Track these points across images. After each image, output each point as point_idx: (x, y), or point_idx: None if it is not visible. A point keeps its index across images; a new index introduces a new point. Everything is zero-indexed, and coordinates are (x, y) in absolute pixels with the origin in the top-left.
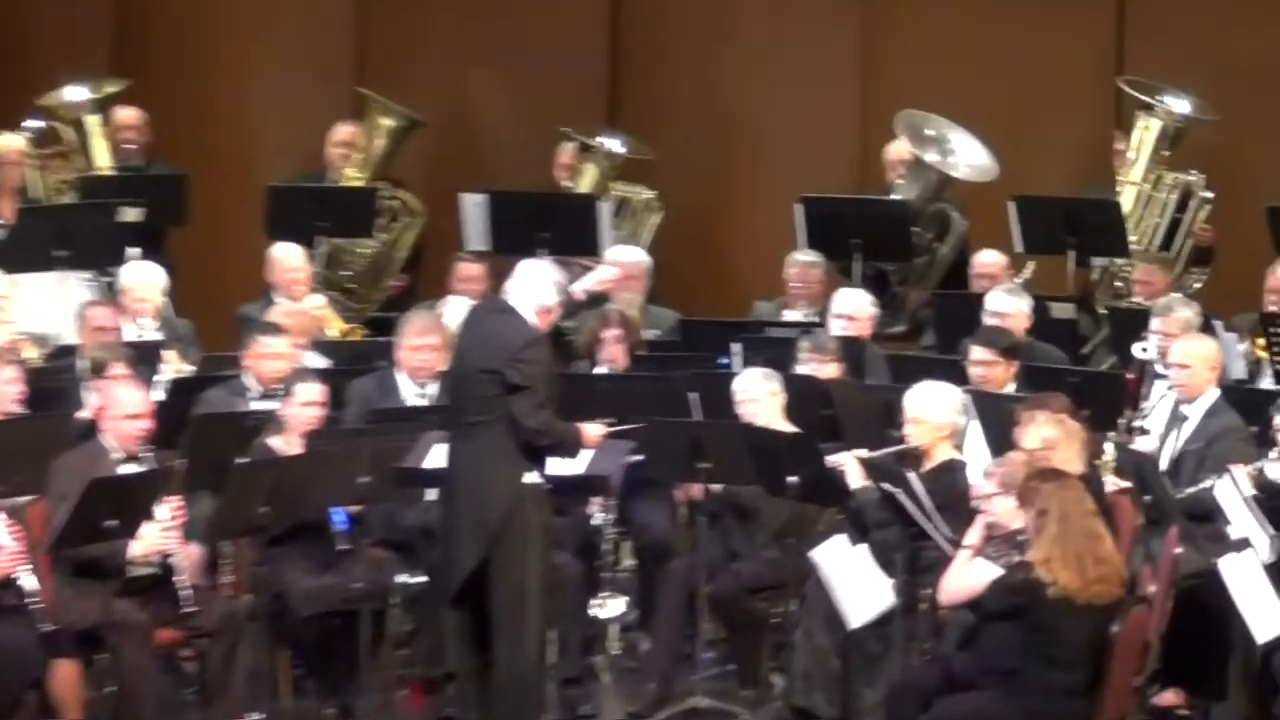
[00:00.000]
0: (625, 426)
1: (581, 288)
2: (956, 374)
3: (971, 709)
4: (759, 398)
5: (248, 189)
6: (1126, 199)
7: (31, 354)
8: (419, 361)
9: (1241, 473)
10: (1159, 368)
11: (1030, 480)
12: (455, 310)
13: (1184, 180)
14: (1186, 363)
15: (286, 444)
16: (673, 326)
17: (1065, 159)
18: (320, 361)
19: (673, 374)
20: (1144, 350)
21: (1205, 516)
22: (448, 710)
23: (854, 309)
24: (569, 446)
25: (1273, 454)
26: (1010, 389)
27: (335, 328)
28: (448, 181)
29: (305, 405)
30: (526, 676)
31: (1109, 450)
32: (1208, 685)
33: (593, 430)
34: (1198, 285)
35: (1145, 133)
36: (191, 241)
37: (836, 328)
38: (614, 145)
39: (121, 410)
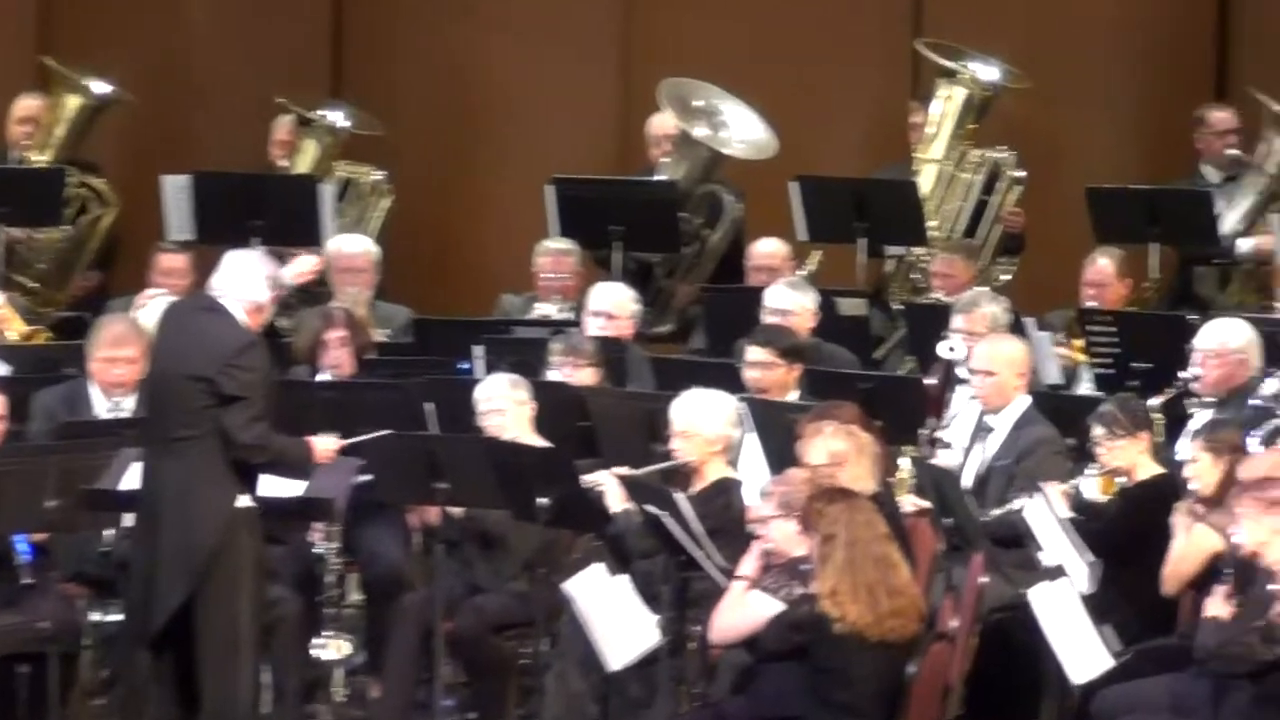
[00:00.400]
0: (362, 438)
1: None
2: (731, 380)
3: None
4: (504, 408)
5: None
6: (925, 179)
7: None
8: (113, 377)
9: (1055, 491)
10: (964, 371)
11: (815, 501)
12: (154, 308)
13: (991, 158)
14: (991, 369)
15: None
16: (406, 326)
17: (855, 134)
18: (0, 369)
19: (406, 381)
20: (950, 350)
21: (1014, 541)
22: None
23: (613, 305)
24: (296, 464)
25: (1090, 470)
26: (792, 396)
27: (16, 330)
28: (147, 162)
29: None
30: None
31: (905, 466)
32: None
33: (324, 445)
34: (1006, 277)
35: (947, 103)
36: None
37: (594, 327)
38: (337, 119)
39: None
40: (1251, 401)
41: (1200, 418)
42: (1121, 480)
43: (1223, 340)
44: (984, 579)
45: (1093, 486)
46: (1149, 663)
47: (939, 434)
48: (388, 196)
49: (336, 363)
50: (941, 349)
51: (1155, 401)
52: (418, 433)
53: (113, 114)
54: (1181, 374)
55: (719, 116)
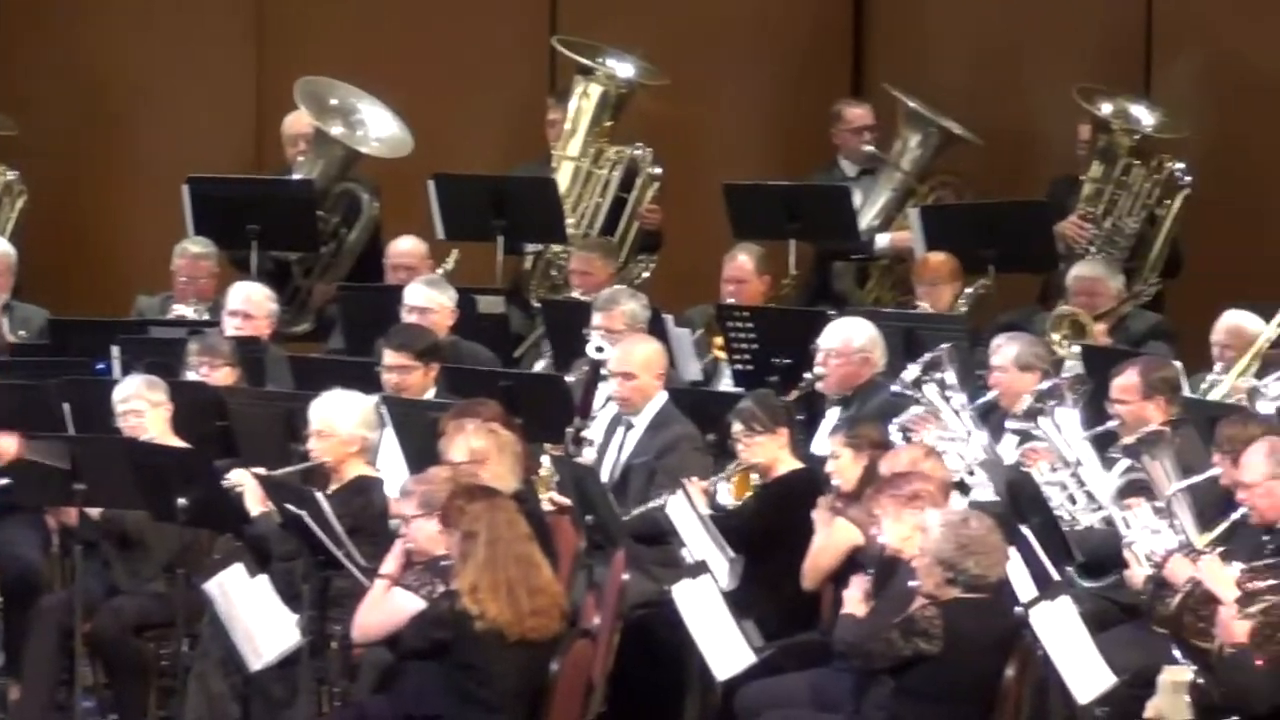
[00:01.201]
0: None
1: None
2: (369, 379)
3: None
4: (142, 408)
5: None
6: (563, 176)
7: None
8: None
9: (696, 489)
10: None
11: (455, 499)
12: None
13: (628, 154)
14: (628, 370)
15: None
16: (41, 327)
17: (494, 131)
18: None
19: (42, 381)
20: (599, 350)
21: (657, 538)
22: None
23: (250, 305)
24: None
25: (732, 466)
26: (431, 394)
27: None
28: None
29: None
30: None
31: (546, 464)
32: None
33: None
34: (645, 274)
35: (584, 100)
36: None
37: (230, 327)
38: None
39: None
40: (892, 389)
41: (833, 415)
42: (756, 478)
43: (845, 339)
44: (626, 576)
45: (726, 489)
46: (791, 658)
47: (584, 432)
48: (20, 196)
49: None
50: (590, 348)
51: (788, 398)
52: (54, 434)
53: None
54: (807, 374)
55: (355, 115)
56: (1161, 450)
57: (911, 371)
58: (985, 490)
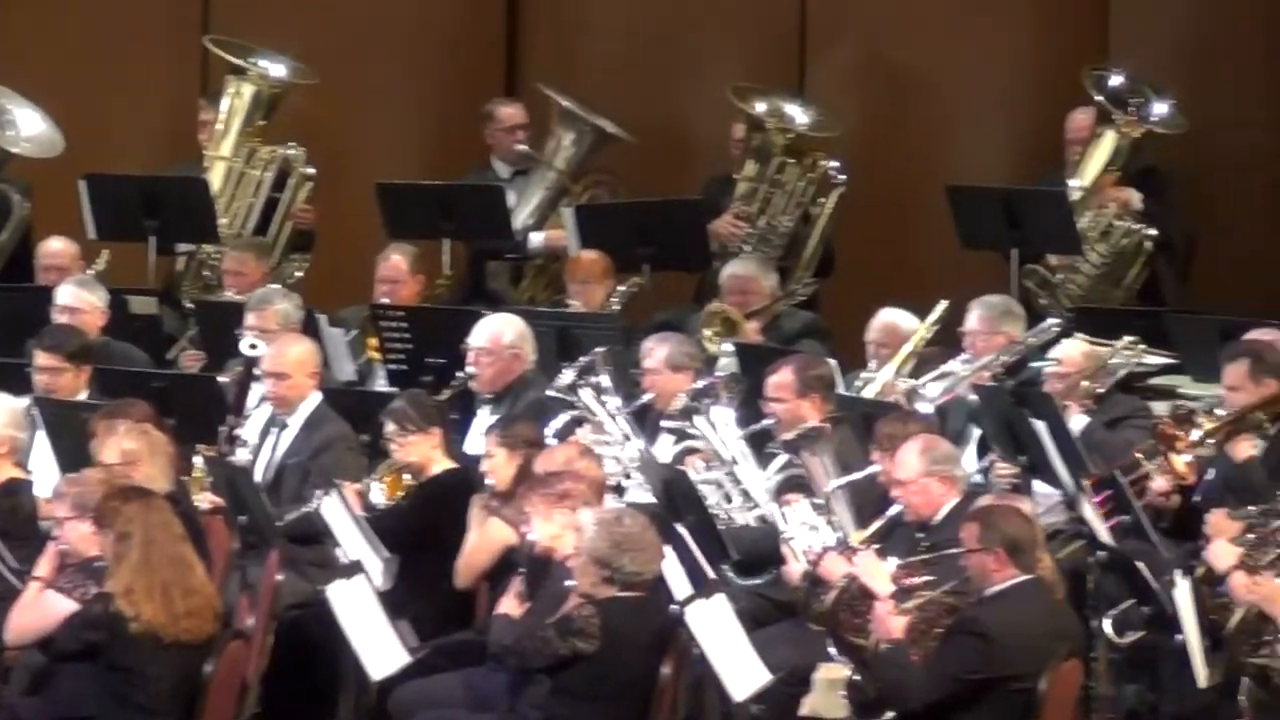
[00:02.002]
0: None
1: None
2: (20, 380)
3: None
4: None
5: None
6: (215, 176)
7: None
8: None
9: (349, 489)
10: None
11: (109, 500)
12: None
13: (281, 154)
14: (281, 371)
15: None
16: None
17: (146, 132)
18: None
19: None
20: (252, 348)
21: (312, 538)
22: None
23: None
24: None
25: (384, 466)
26: (83, 396)
27: None
28: None
29: None
30: None
31: (199, 464)
32: None
33: None
34: (298, 274)
35: (236, 100)
36: None
37: None
38: None
39: None
40: (548, 393)
41: (484, 413)
42: (408, 478)
43: (494, 336)
44: (280, 576)
45: (379, 489)
46: (446, 658)
47: (237, 431)
48: None
49: None
50: (243, 346)
51: (440, 397)
52: None
53: None
54: (460, 373)
55: (4, 115)
56: (821, 447)
57: (566, 376)
58: (643, 494)
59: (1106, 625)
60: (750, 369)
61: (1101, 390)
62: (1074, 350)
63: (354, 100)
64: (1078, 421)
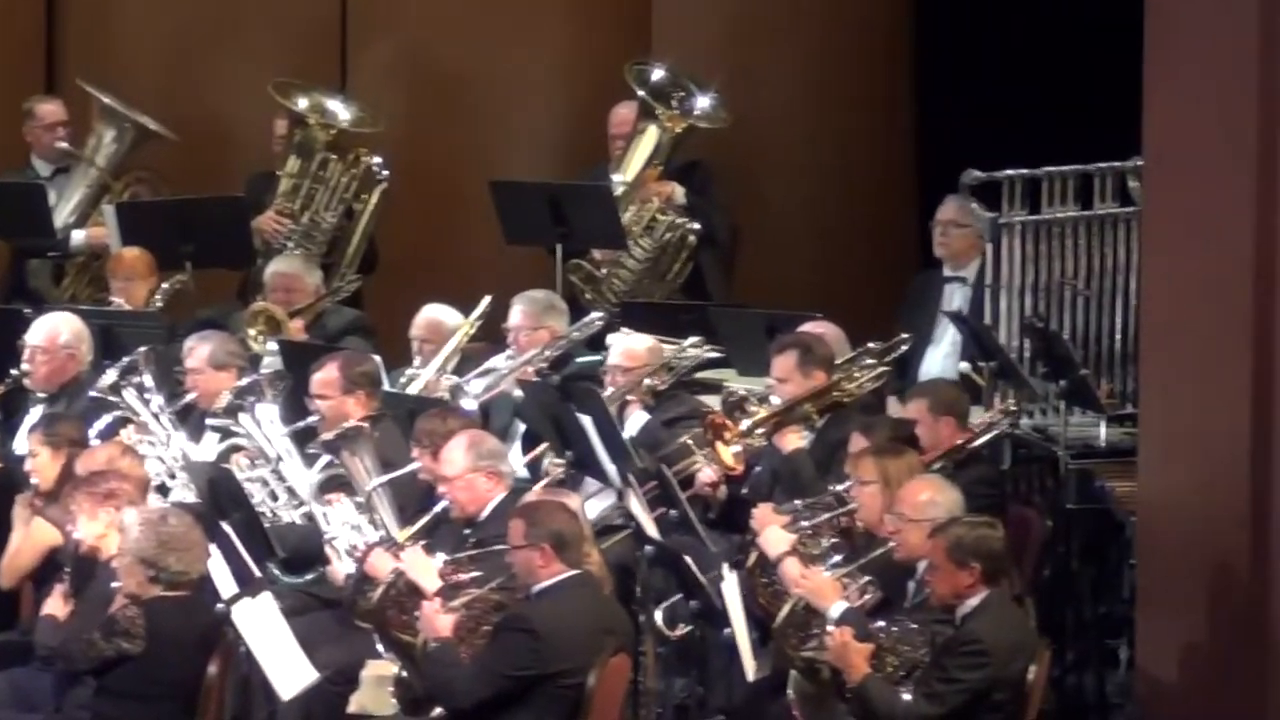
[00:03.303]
0: None
1: None
2: None
3: None
4: None
5: None
6: None
7: None
8: None
9: None
10: None
11: None
12: None
13: None
14: None
15: None
16: None
17: None
18: None
19: None
20: None
21: None
22: None
23: None
24: None
25: None
26: None
27: None
28: None
29: None
30: None
31: None
32: None
33: None
34: None
35: None
36: None
37: None
38: None
39: None
40: (91, 393)
41: (37, 412)
42: None
43: (51, 335)
44: None
45: None
46: None
47: None
48: None
49: None
50: None
51: None
52: None
53: None
54: (14, 370)
55: None
56: (360, 446)
57: (109, 376)
58: (187, 493)
59: (656, 619)
60: (295, 367)
61: (662, 387)
62: (638, 346)
63: None
64: (637, 419)
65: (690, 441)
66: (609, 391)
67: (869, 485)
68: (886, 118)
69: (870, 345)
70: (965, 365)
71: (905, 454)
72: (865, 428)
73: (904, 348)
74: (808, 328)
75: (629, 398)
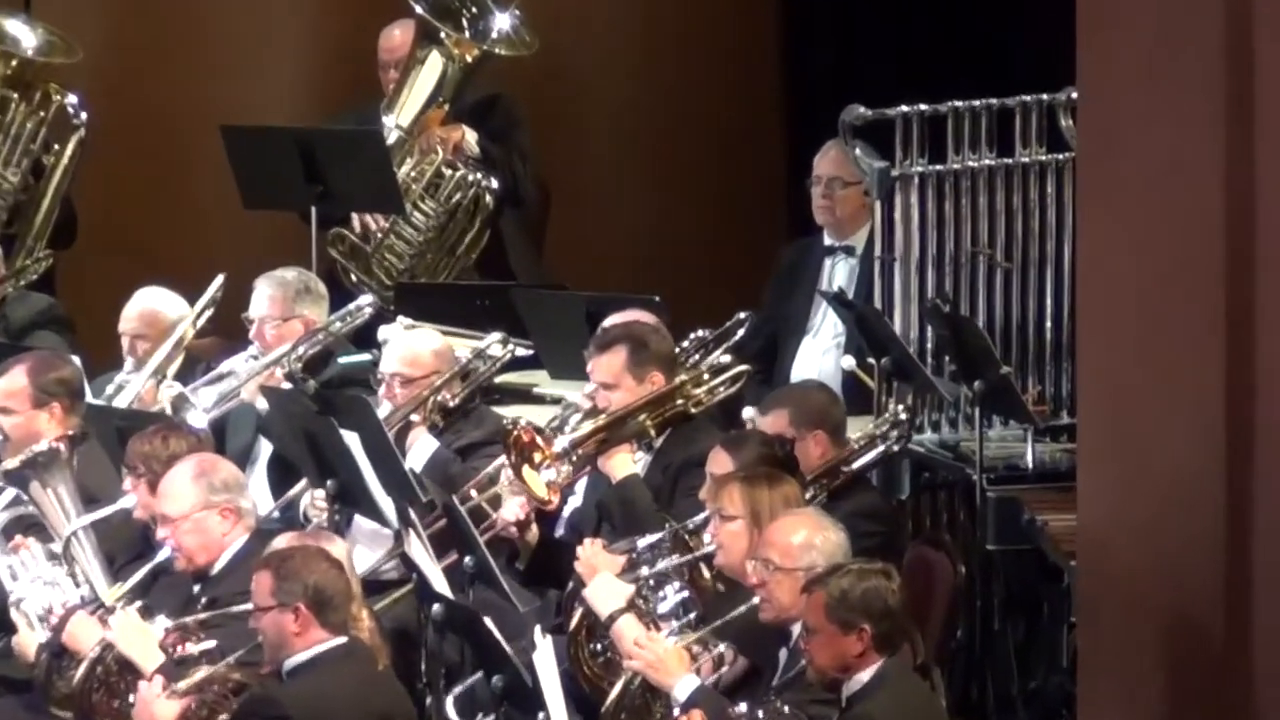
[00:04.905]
0: None
1: None
2: None
3: None
4: None
5: None
6: None
7: None
8: None
9: None
10: None
11: None
12: None
13: None
14: None
15: None
16: None
17: None
18: None
19: None
20: None
21: None
22: None
23: None
24: None
25: None
26: None
27: None
28: None
29: None
30: None
31: None
32: None
33: None
34: None
35: None
36: None
37: None
38: None
39: None
40: None
41: None
42: None
43: None
44: None
45: None
46: None
47: None
48: None
49: None
50: None
51: None
52: None
53: None
54: None
55: None
56: (55, 475)
57: None
58: None
59: (448, 706)
60: None
61: (454, 402)
62: (422, 347)
63: None
64: (423, 445)
65: (489, 469)
66: (385, 410)
67: (733, 521)
68: (744, 38)
69: (698, 334)
70: (850, 361)
71: (783, 483)
72: (730, 444)
73: (740, 332)
74: (629, 316)
75: (412, 418)
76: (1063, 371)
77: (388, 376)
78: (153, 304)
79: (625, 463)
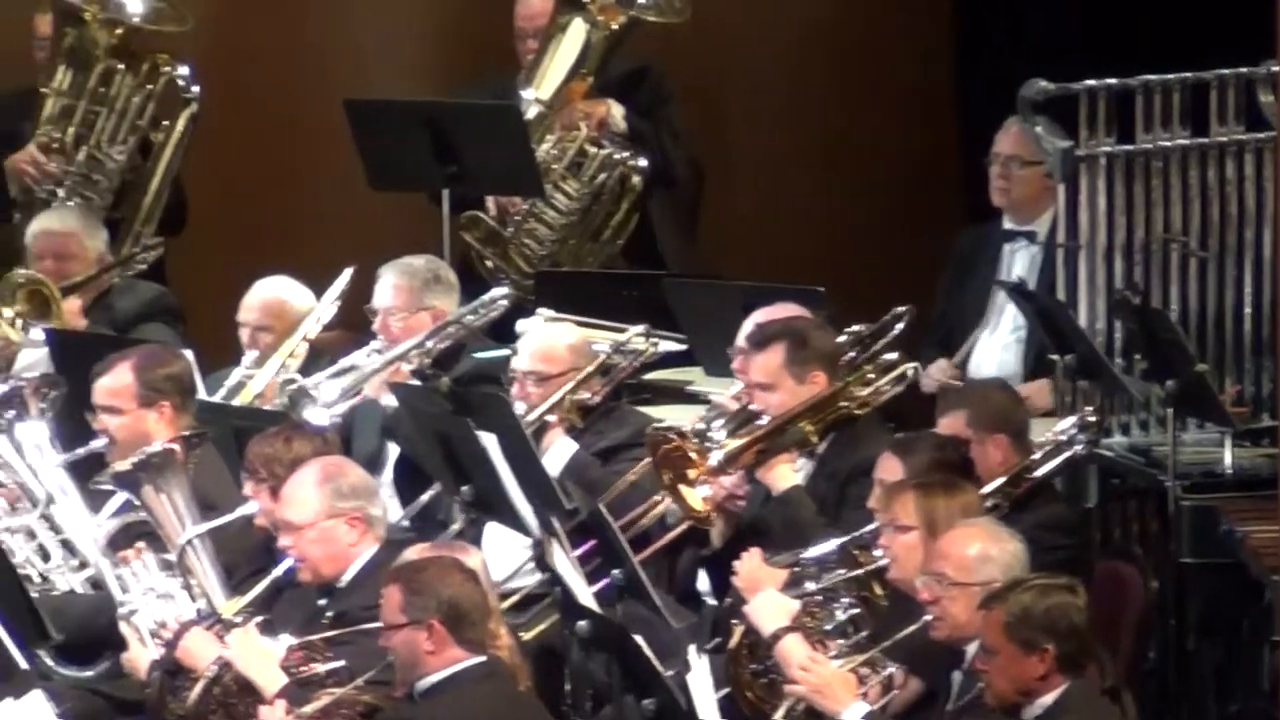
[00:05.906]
0: None
1: None
2: None
3: None
4: None
5: None
6: None
7: None
8: None
9: None
10: None
11: None
12: None
13: None
14: None
15: None
16: None
17: None
18: None
19: None
20: None
21: None
22: None
23: None
24: None
25: None
26: None
27: None
28: None
29: None
30: None
31: None
32: None
33: None
34: None
35: None
36: None
37: None
38: None
39: None
40: None
41: None
42: None
43: None
44: None
45: None
46: None
47: None
48: None
49: None
50: None
51: None
52: None
53: None
54: None
55: None
56: (168, 480)
57: None
58: None
59: None
60: (71, 366)
61: (595, 400)
62: (558, 341)
63: None
64: (561, 447)
65: (631, 474)
66: (520, 408)
67: (907, 533)
68: (917, 8)
69: (855, 329)
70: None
71: (961, 490)
72: (901, 449)
73: (900, 326)
74: (780, 310)
75: (548, 418)
76: (1263, 369)
77: (520, 374)
78: (279, 293)
79: (786, 473)
